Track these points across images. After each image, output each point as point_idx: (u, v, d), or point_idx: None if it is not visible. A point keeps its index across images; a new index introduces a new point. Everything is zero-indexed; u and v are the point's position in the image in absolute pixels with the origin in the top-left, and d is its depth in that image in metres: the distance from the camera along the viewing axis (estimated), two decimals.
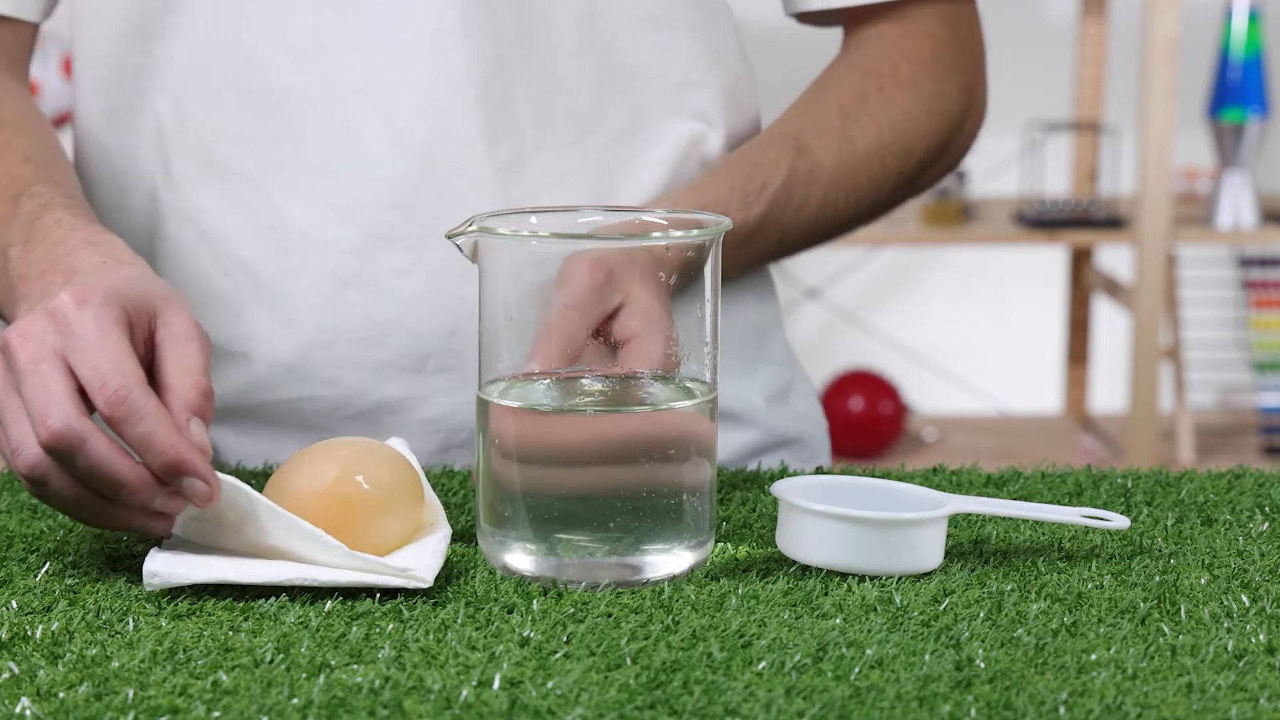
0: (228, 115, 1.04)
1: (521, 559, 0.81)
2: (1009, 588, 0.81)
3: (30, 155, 1.02)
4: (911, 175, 1.12)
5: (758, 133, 1.14)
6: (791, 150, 1.07)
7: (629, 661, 0.71)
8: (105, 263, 0.90)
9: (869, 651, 0.73)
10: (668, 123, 1.08)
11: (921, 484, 0.99)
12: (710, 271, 0.83)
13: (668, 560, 0.81)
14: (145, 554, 0.83)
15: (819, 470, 1.03)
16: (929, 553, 0.83)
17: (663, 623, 0.76)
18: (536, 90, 1.05)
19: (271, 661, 0.71)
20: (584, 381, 0.83)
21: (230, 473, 0.99)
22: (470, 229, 0.81)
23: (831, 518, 0.81)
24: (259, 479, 0.96)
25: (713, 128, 1.10)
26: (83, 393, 0.80)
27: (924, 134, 1.11)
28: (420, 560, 0.80)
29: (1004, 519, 0.92)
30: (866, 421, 2.90)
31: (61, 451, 0.79)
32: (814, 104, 1.11)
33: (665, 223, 0.86)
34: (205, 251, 1.05)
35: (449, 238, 0.82)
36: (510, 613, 0.77)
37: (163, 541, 0.84)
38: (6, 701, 0.67)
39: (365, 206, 1.03)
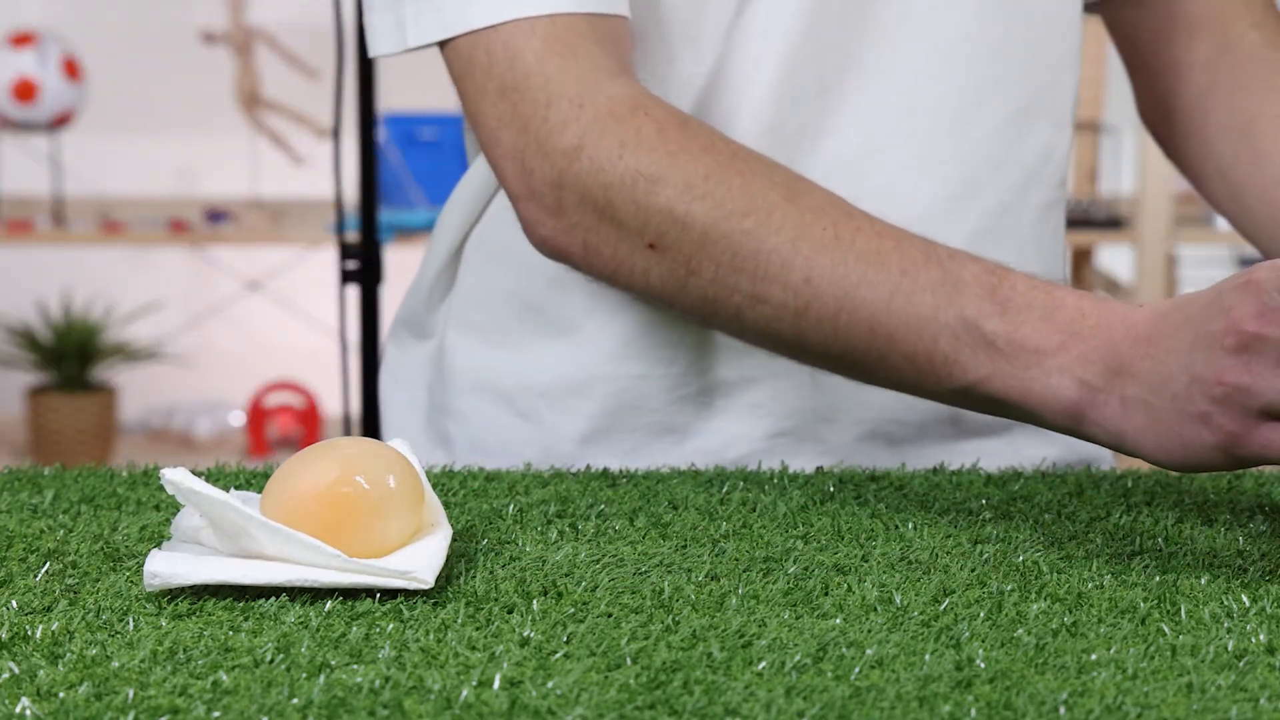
0: None
1: None
2: (1009, 588, 0.81)
3: (851, 207, 0.94)
4: None
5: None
6: None
7: (629, 661, 0.71)
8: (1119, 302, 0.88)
9: (869, 651, 0.73)
10: (1032, 125, 1.09)
11: (922, 484, 0.99)
12: None
13: None
14: (145, 554, 0.83)
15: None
16: None
17: (663, 623, 0.76)
18: (898, 77, 1.05)
19: (271, 661, 0.71)
20: None
21: (233, 475, 0.99)
22: None
23: None
24: (259, 479, 0.96)
25: (1061, 133, 1.11)
26: None
27: None
28: (421, 561, 0.80)
29: (1005, 519, 0.92)
30: None
31: None
32: None
33: None
34: None
35: None
36: (510, 613, 0.77)
37: (163, 542, 0.84)
38: (6, 701, 0.67)
39: None
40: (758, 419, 1.08)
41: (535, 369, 1.10)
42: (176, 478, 0.80)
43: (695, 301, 0.96)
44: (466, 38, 0.98)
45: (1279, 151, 1.10)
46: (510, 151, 0.98)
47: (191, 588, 0.79)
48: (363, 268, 1.99)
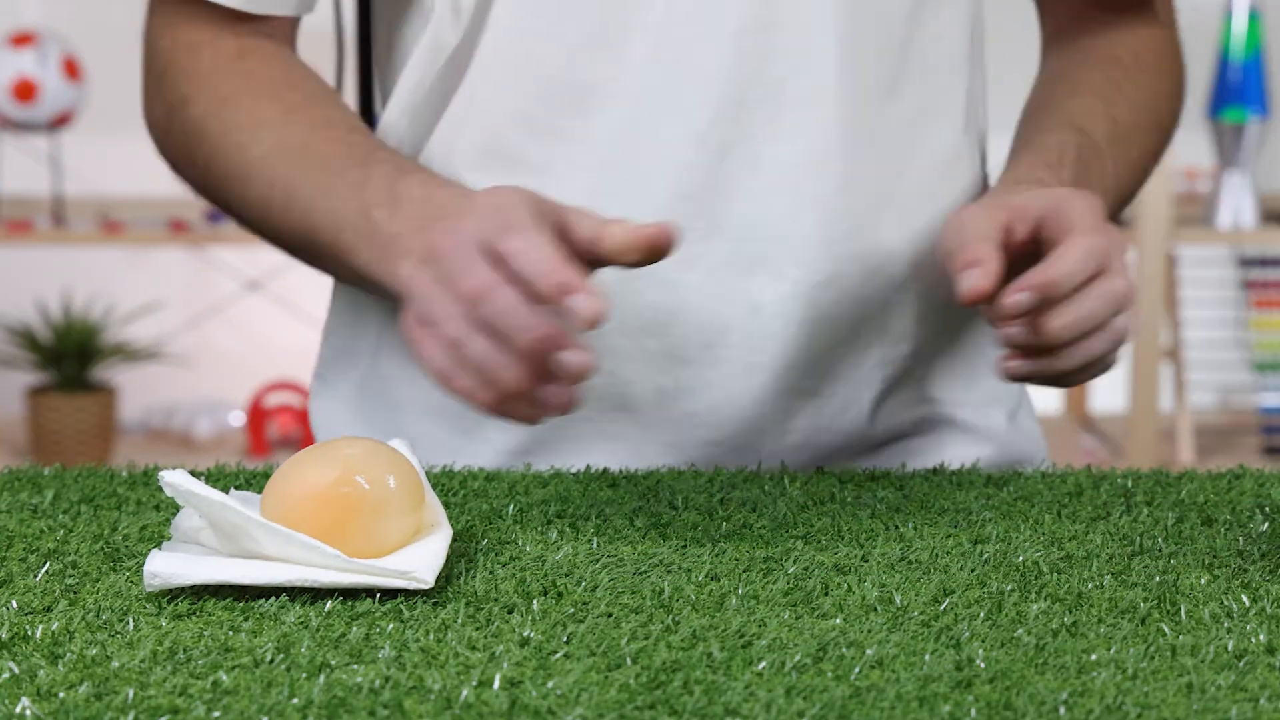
0: (520, 103, 1.05)
1: None
2: (1009, 588, 0.81)
3: (354, 126, 1.05)
4: (1160, 151, 1.18)
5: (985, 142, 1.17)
6: (1073, 131, 1.10)
7: (629, 661, 0.71)
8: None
9: (869, 651, 0.73)
10: (938, 123, 1.09)
11: (922, 484, 0.99)
12: None
13: None
14: (145, 554, 0.83)
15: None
16: None
17: (663, 623, 0.76)
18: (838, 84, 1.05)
19: (271, 661, 0.71)
20: None
21: (233, 475, 0.99)
22: None
23: None
24: (259, 479, 0.96)
25: (965, 136, 1.11)
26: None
27: (1168, 112, 1.18)
28: (421, 561, 0.80)
29: (1005, 519, 0.92)
30: None
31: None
32: (1070, 92, 1.14)
33: None
34: None
35: None
36: (510, 613, 0.77)
37: (163, 542, 0.84)
38: (6, 701, 0.67)
39: (654, 198, 1.03)
40: (694, 427, 1.07)
41: None
42: (175, 479, 0.80)
43: (222, 206, 1.10)
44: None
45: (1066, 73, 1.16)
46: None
47: (191, 588, 0.79)
48: None
